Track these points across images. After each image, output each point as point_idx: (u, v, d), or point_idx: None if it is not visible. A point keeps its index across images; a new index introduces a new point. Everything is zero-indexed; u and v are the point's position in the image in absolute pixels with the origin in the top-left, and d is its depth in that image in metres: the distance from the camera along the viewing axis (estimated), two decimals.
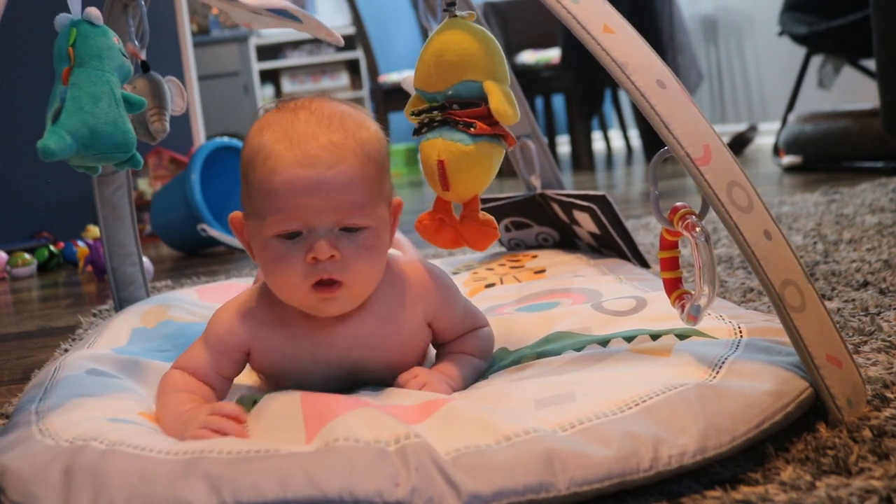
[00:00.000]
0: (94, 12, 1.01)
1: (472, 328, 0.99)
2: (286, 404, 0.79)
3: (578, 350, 0.94)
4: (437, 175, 0.95)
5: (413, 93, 1.02)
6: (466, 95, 0.95)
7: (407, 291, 0.93)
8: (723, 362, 0.81)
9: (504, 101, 0.93)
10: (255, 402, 0.83)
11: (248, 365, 0.94)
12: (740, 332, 0.91)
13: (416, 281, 0.94)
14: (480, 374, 0.97)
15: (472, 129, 0.94)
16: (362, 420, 0.72)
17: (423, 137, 0.98)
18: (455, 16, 0.97)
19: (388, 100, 4.36)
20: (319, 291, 0.84)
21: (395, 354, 0.92)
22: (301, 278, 0.83)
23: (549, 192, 1.58)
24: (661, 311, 1.02)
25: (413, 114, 1.00)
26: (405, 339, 0.93)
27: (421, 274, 0.95)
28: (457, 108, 0.95)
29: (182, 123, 3.47)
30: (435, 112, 0.97)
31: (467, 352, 0.97)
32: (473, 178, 0.96)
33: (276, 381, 0.92)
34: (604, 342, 0.94)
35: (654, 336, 0.92)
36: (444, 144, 0.95)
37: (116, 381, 0.96)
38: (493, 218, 0.99)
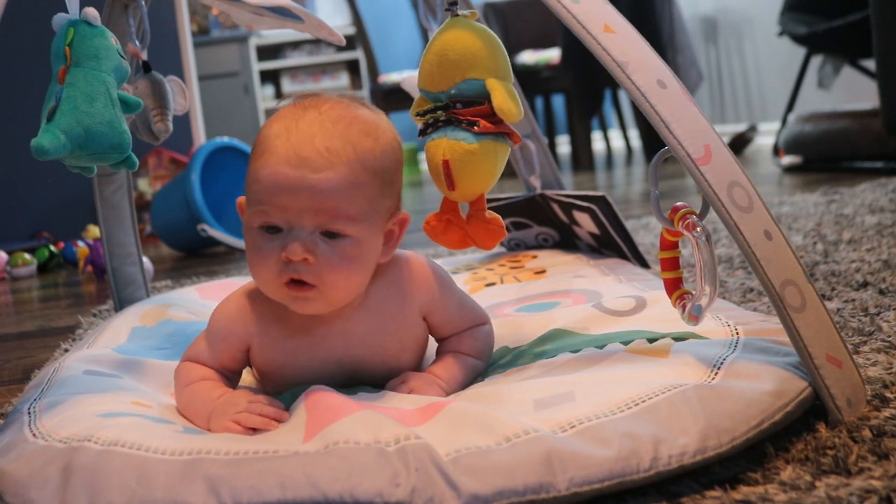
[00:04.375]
0: (91, 12, 1.01)
1: (470, 325, 0.98)
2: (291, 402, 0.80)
3: (575, 352, 0.94)
4: (443, 175, 0.95)
5: (416, 94, 1.02)
6: (469, 94, 0.95)
7: (404, 286, 0.92)
8: (721, 363, 0.81)
9: (507, 98, 0.93)
10: None
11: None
12: (737, 332, 0.91)
13: (414, 274, 0.93)
14: (479, 374, 0.97)
15: (475, 128, 0.94)
16: (361, 423, 0.72)
17: (429, 138, 0.97)
18: (457, 15, 0.97)
19: (388, 100, 4.36)
20: (292, 290, 0.84)
21: (394, 351, 0.92)
22: (275, 274, 0.83)
23: (548, 192, 1.58)
24: (660, 312, 1.02)
25: (418, 114, 1.00)
26: (403, 335, 0.93)
27: (419, 266, 0.94)
28: (460, 107, 0.95)
29: (182, 124, 3.47)
30: (439, 112, 0.96)
31: (464, 351, 0.96)
32: (478, 176, 0.95)
33: (273, 378, 0.92)
34: (600, 345, 0.94)
35: (651, 340, 0.92)
36: (448, 144, 0.95)
37: (114, 381, 0.95)
38: (499, 216, 0.99)
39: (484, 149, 0.94)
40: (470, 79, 0.94)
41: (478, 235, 0.99)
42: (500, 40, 0.97)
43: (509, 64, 0.97)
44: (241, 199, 0.90)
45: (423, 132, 0.99)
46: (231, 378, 0.92)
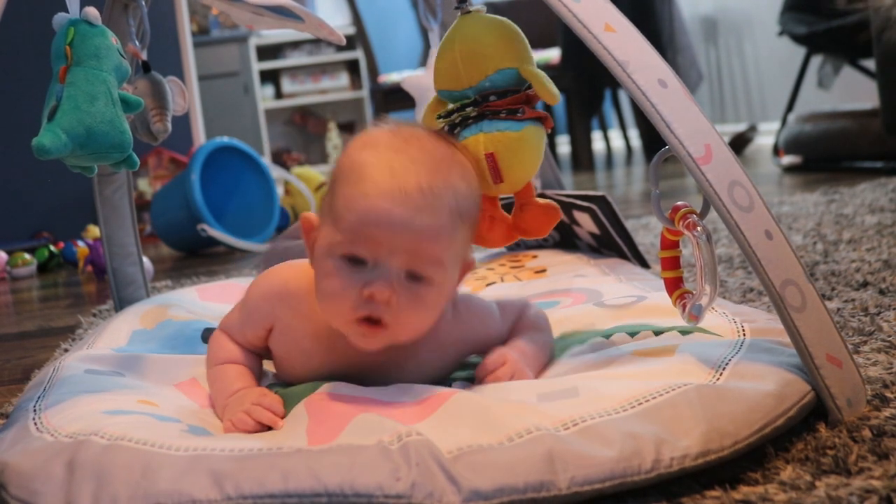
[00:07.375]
0: (92, 12, 1.01)
1: (516, 318, 0.96)
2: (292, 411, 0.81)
3: (582, 343, 0.94)
4: (488, 169, 0.93)
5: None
6: (503, 84, 0.94)
7: (444, 339, 0.89)
8: (726, 363, 0.81)
9: (547, 83, 0.93)
10: None
11: None
12: (744, 331, 0.91)
13: (460, 325, 0.91)
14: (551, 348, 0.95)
15: (519, 115, 0.93)
16: (363, 430, 0.72)
17: (459, 138, 0.94)
18: (468, 12, 0.97)
19: (388, 100, 4.35)
20: (362, 326, 0.80)
21: (411, 376, 0.89)
22: (350, 308, 0.79)
23: (548, 192, 1.58)
24: (662, 309, 1.02)
25: (440, 116, 0.97)
26: (426, 375, 0.90)
27: (474, 310, 0.92)
28: (494, 99, 0.94)
29: (182, 124, 3.47)
30: (469, 108, 0.95)
31: (530, 330, 0.95)
32: (526, 163, 0.94)
33: (284, 368, 0.92)
34: (607, 335, 0.94)
35: (658, 332, 0.92)
36: (488, 137, 0.93)
37: (116, 379, 0.96)
38: (551, 200, 0.98)
39: (529, 134, 0.93)
40: (503, 69, 0.94)
41: (534, 222, 0.98)
42: (518, 28, 0.97)
43: (530, 49, 0.97)
44: (313, 216, 0.85)
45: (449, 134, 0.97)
46: (257, 355, 0.93)
